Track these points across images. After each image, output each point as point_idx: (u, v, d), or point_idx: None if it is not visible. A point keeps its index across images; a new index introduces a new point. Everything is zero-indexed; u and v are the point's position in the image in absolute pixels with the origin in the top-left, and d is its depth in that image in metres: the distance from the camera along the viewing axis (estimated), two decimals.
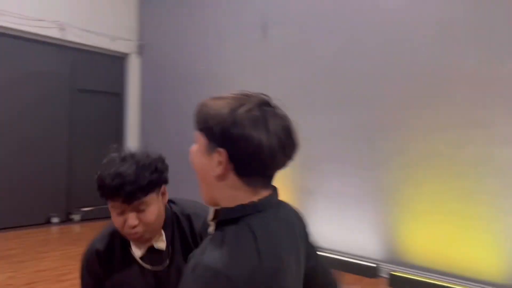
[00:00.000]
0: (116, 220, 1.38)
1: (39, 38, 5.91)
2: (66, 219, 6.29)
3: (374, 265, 4.38)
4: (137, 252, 1.47)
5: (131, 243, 1.48)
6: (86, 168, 6.44)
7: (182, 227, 1.50)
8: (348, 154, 4.69)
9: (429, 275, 4.05)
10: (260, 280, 0.96)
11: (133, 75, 6.89)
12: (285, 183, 5.21)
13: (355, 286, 4.13)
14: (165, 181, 1.45)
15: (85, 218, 6.39)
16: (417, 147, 4.20)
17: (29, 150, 5.85)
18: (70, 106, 6.29)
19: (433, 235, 4.09)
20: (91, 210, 6.49)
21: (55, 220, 6.11)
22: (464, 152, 3.93)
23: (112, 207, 1.38)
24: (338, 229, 4.73)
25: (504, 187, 3.74)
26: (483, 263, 3.83)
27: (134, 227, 1.37)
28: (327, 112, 4.86)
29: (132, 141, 6.87)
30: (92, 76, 6.52)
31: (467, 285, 3.82)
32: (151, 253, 1.47)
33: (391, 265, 4.31)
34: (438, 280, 3.96)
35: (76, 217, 6.33)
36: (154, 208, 1.39)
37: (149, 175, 1.37)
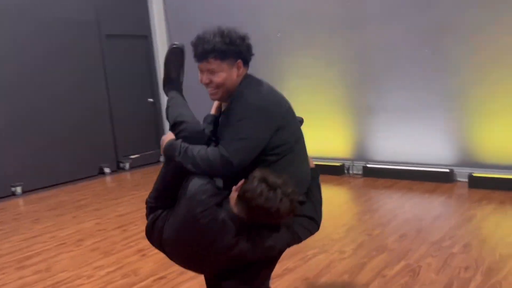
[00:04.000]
0: (200, 78, 1.75)
1: None
2: (117, 168, 6.26)
3: (448, 170, 4.40)
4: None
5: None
6: (128, 115, 6.35)
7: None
8: (410, 64, 4.55)
9: (508, 172, 4.07)
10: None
11: (158, 17, 6.57)
12: (344, 103, 5.14)
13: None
14: (240, 57, 1.71)
15: (134, 166, 6.37)
16: (489, 47, 4.06)
17: (70, 102, 5.69)
18: (101, 53, 6.04)
19: (509, 132, 4.07)
20: (138, 157, 6.45)
21: (107, 170, 6.08)
22: None
23: (198, 67, 1.75)
24: (405, 142, 4.70)
25: None
26: None
27: (207, 84, 1.73)
28: (384, 23, 4.67)
29: None
30: (118, 21, 6.22)
31: None
32: None
33: (467, 168, 4.33)
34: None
35: (126, 165, 6.30)
36: (223, 74, 1.69)
37: (221, 43, 1.65)
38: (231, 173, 1.63)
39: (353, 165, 5.10)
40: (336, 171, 5.14)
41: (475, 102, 4.22)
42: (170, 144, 1.68)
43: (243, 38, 1.73)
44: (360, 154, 5.09)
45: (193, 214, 1.58)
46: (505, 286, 2.37)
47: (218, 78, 1.70)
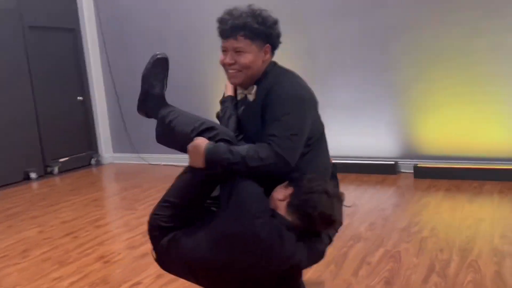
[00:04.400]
0: (220, 60, 1.64)
1: None
2: (45, 173, 5.69)
3: (393, 163, 4.64)
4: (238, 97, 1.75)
5: (238, 88, 1.74)
6: (55, 114, 5.84)
7: (264, 87, 1.63)
8: (355, 62, 4.73)
9: (450, 162, 4.39)
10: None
11: (87, 8, 6.10)
12: None
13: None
14: (269, 41, 1.61)
15: (63, 170, 5.84)
16: (429, 47, 4.35)
17: None
18: (24, 47, 5.46)
19: (449, 125, 4.40)
20: (68, 160, 5.94)
21: (33, 175, 5.50)
22: (476, 42, 4.17)
23: (222, 47, 1.63)
24: (353, 138, 4.86)
25: None
26: (500, 142, 4.23)
27: (230, 65, 1.60)
28: (330, 21, 4.79)
29: (96, 78, 6.26)
30: (42, 11, 5.66)
31: (488, 163, 4.23)
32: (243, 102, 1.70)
33: (411, 160, 4.60)
34: (459, 164, 4.32)
35: (55, 169, 5.75)
36: (249, 55, 1.57)
37: (252, 22, 1.54)
38: (284, 173, 1.52)
39: None
40: None
41: (417, 97, 4.49)
42: (213, 147, 1.48)
43: (275, 22, 1.62)
44: None
45: (252, 227, 1.40)
46: (482, 264, 2.53)
47: (245, 59, 1.57)
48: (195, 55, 5.62)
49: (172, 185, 1.61)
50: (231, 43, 1.58)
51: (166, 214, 1.55)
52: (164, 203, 1.56)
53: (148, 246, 3.10)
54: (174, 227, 1.53)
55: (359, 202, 3.83)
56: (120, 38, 6.08)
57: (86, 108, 6.25)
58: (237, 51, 1.58)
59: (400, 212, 3.51)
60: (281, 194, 1.50)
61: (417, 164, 4.49)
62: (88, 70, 6.21)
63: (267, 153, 1.47)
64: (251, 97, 1.65)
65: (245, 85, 1.66)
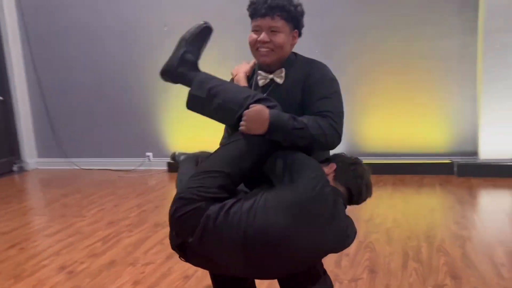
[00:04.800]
0: (252, 38, 1.63)
1: None
2: None
3: None
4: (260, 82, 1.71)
5: (258, 74, 1.70)
6: None
7: (298, 70, 1.66)
8: None
9: (387, 158, 4.70)
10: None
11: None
12: None
13: None
14: (297, 27, 1.66)
15: None
16: (371, 51, 4.63)
17: None
18: None
19: (390, 124, 4.71)
20: None
21: None
22: (415, 47, 4.52)
23: (253, 27, 1.63)
24: None
25: (448, 72, 4.50)
26: (433, 140, 4.62)
27: (264, 42, 1.59)
28: None
29: (18, 75, 5.71)
30: None
31: (426, 159, 4.59)
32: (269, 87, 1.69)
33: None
34: (400, 160, 4.65)
35: None
36: (283, 35, 1.60)
37: (289, 5, 1.59)
38: (329, 148, 1.62)
39: None
40: None
41: (361, 98, 4.74)
42: (277, 112, 1.50)
43: (304, 13, 1.67)
44: None
45: (322, 192, 1.41)
46: (449, 248, 2.74)
47: (279, 38, 1.59)
48: (131, 53, 5.38)
49: (217, 156, 1.51)
50: (268, 21, 1.58)
51: (215, 184, 1.43)
52: (211, 173, 1.44)
53: (114, 253, 2.91)
54: (222, 198, 1.42)
55: None
56: (46, 30, 5.60)
57: (6, 109, 5.65)
58: (272, 31, 1.59)
59: (360, 206, 3.66)
60: (326, 170, 1.53)
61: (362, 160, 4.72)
62: (8, 66, 5.62)
63: (326, 124, 1.53)
64: (280, 80, 1.65)
65: (272, 67, 1.64)
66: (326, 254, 1.54)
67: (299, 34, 1.69)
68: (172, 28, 5.20)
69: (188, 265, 1.64)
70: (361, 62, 4.69)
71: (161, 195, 4.35)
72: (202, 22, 1.72)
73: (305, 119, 1.53)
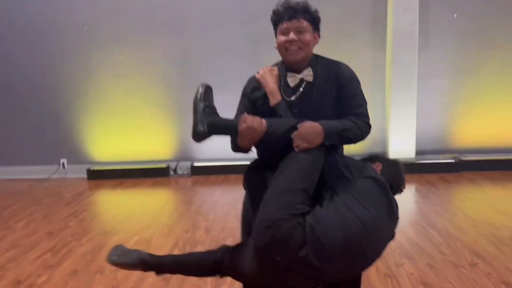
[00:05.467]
0: (281, 40, 1.76)
1: None
2: None
3: None
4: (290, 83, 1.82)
5: (288, 75, 1.82)
6: None
7: (325, 69, 1.83)
8: (230, 69, 5.00)
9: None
10: None
11: None
12: (166, 104, 5.07)
13: None
14: (318, 28, 1.83)
15: None
16: None
17: None
18: None
19: None
20: None
21: None
22: None
23: (281, 31, 1.76)
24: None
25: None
26: None
27: (293, 41, 1.73)
28: (207, 27, 4.96)
29: None
30: None
31: None
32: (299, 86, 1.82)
33: None
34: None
35: None
36: (308, 34, 1.76)
37: (310, 8, 1.78)
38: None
39: (179, 165, 5.16)
40: (162, 173, 5.06)
41: None
42: (325, 121, 1.68)
43: (320, 18, 1.84)
44: (186, 154, 5.18)
45: (386, 191, 1.60)
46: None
47: (306, 36, 1.75)
48: (45, 53, 5.02)
49: (289, 175, 1.56)
50: (294, 23, 1.74)
51: (299, 201, 1.49)
52: (291, 192, 1.50)
53: (71, 262, 2.73)
54: (307, 212, 1.49)
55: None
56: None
57: None
58: (299, 31, 1.74)
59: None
60: (374, 167, 1.70)
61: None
62: None
63: (362, 123, 1.76)
64: (310, 78, 1.79)
65: (299, 66, 1.79)
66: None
67: (319, 36, 1.85)
68: (92, 28, 4.98)
69: None
70: None
71: (93, 203, 4.13)
72: (201, 84, 1.80)
73: (345, 121, 1.74)
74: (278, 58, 1.88)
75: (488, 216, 3.38)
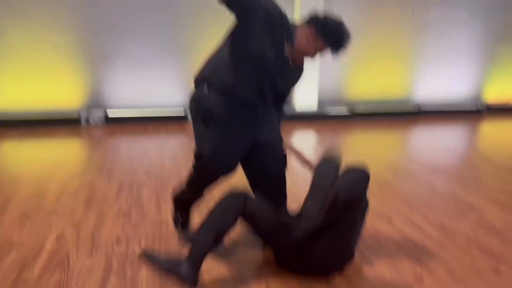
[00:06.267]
0: (310, 48, 1.95)
1: None
2: None
3: (182, 108, 5.17)
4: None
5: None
6: None
7: None
8: (145, 16, 4.89)
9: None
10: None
11: None
12: (78, 50, 4.79)
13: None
14: None
15: None
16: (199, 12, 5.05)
17: None
18: None
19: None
20: None
21: None
22: None
23: (316, 43, 1.94)
24: (142, 88, 5.08)
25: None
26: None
27: (314, 55, 2.01)
28: None
29: None
30: None
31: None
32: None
33: None
34: None
35: None
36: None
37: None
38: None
39: (91, 114, 4.96)
40: (73, 122, 4.82)
41: (200, 53, 5.10)
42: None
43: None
44: (98, 102, 4.99)
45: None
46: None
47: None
48: None
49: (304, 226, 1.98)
50: (323, 48, 1.98)
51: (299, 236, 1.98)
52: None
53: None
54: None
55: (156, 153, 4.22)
56: None
57: None
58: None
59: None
60: None
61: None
62: None
63: None
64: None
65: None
66: None
67: None
68: None
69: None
70: (201, 20, 5.05)
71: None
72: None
73: None
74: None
75: (380, 152, 4.07)
